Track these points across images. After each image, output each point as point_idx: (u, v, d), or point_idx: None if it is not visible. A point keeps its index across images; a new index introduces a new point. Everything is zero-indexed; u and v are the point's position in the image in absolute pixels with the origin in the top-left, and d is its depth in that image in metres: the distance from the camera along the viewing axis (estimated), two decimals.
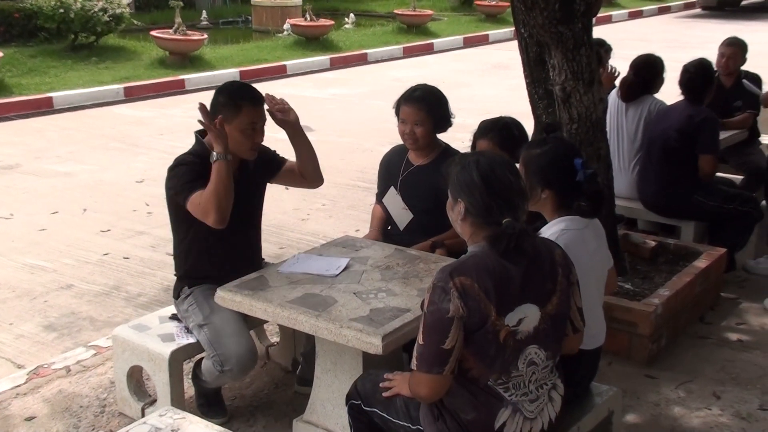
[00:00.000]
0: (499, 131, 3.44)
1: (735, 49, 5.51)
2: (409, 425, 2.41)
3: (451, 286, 2.16)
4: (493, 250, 2.22)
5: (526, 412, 2.29)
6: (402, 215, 3.76)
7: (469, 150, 3.66)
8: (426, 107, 3.62)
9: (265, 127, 3.22)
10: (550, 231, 2.70)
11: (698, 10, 20.52)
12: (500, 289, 2.19)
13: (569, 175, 2.69)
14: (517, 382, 2.27)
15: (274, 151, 3.48)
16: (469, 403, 2.26)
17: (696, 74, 4.68)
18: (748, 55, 5.64)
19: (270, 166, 3.42)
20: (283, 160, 3.46)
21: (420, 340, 2.21)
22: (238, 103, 3.12)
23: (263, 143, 3.30)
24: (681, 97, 4.75)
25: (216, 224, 3.02)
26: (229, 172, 3.01)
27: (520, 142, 3.35)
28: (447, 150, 3.76)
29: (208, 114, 3.05)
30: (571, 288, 2.38)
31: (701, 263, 4.22)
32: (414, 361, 2.23)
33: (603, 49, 5.45)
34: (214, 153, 2.99)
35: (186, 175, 3.10)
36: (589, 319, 2.77)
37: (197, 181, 3.06)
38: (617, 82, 5.09)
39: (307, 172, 3.44)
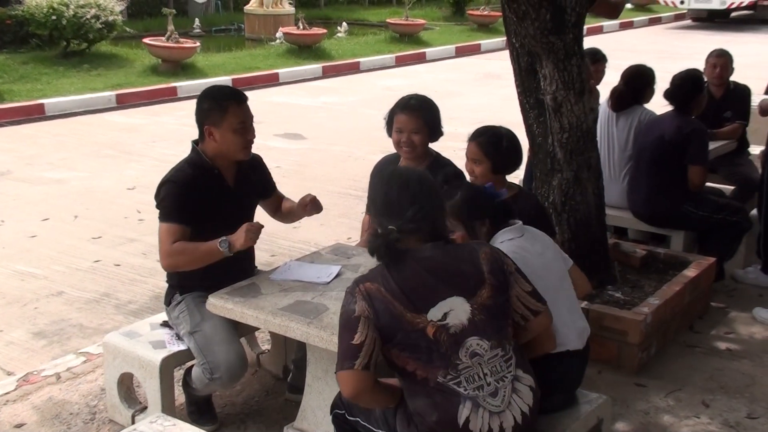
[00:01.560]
0: (488, 137, 3.45)
1: (725, 59, 5.56)
2: None
3: (357, 291, 2.33)
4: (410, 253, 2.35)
5: (490, 407, 2.29)
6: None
7: (464, 154, 3.69)
8: (423, 116, 3.64)
9: (257, 135, 3.25)
10: (496, 243, 2.84)
11: (688, 22, 20.65)
12: (408, 288, 2.30)
13: (490, 207, 2.91)
14: (468, 375, 2.29)
15: (271, 175, 3.54)
16: (429, 405, 2.30)
17: (682, 85, 4.72)
18: (738, 67, 5.71)
19: (265, 187, 3.49)
20: (274, 188, 3.54)
21: (337, 343, 2.34)
22: (223, 105, 3.14)
23: (265, 164, 3.43)
24: (670, 108, 4.78)
25: (163, 266, 3.18)
26: (216, 260, 3.09)
27: (506, 154, 3.41)
28: (438, 159, 3.78)
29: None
30: (510, 277, 2.43)
31: (691, 272, 4.24)
32: (336, 365, 2.34)
33: (597, 58, 5.50)
34: (226, 243, 3.02)
35: (171, 197, 3.13)
36: (566, 319, 2.80)
37: (180, 211, 3.10)
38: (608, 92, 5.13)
39: (287, 218, 3.61)
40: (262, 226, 3.09)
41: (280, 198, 3.59)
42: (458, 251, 2.43)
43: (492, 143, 3.41)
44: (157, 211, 3.16)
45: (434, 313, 2.29)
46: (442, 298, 2.32)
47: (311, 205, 3.40)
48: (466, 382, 2.29)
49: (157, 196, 3.18)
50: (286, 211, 3.57)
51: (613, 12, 5.23)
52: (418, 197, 2.40)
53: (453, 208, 2.86)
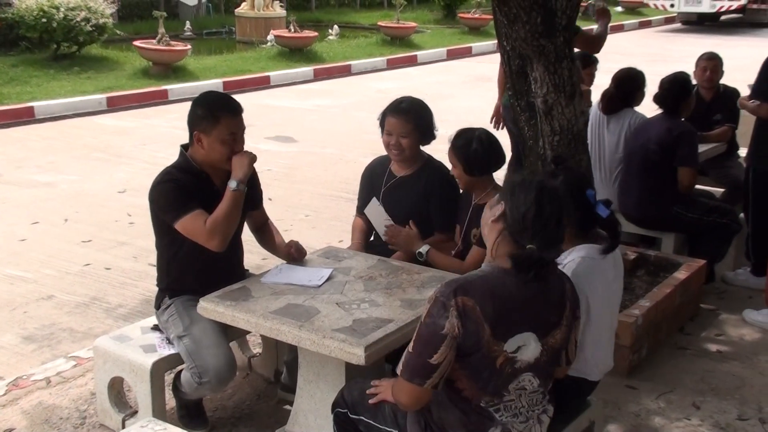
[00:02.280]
0: (460, 141, 3.41)
1: (716, 62, 5.59)
2: None
3: (452, 304, 2.15)
4: (509, 272, 2.21)
5: (514, 431, 2.31)
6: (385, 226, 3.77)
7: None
8: (413, 119, 3.64)
9: (246, 139, 3.24)
10: (569, 258, 2.70)
11: (678, 25, 20.75)
12: (502, 315, 2.18)
13: (584, 205, 2.70)
14: (509, 404, 2.28)
15: (260, 192, 3.51)
16: (459, 421, 2.27)
17: (671, 88, 4.74)
18: (727, 70, 5.74)
19: (253, 199, 3.43)
20: (259, 205, 3.50)
21: (410, 348, 2.21)
22: (216, 114, 3.12)
23: (259, 179, 3.41)
24: (660, 111, 4.80)
25: (218, 248, 3.07)
26: (242, 203, 3.09)
27: (474, 156, 3.34)
28: (430, 161, 3.78)
29: None
30: (576, 322, 2.41)
31: (681, 275, 4.26)
32: (400, 367, 2.24)
33: (589, 61, 5.52)
34: (234, 182, 3.05)
35: (172, 193, 3.10)
36: (598, 350, 2.78)
37: (186, 202, 3.08)
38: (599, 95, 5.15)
39: (267, 248, 3.54)
40: (254, 156, 3.12)
41: (264, 218, 3.54)
42: (552, 281, 2.31)
43: (461, 146, 3.39)
44: (167, 215, 3.10)
45: (510, 345, 2.21)
46: (520, 332, 2.22)
47: (295, 251, 3.37)
48: (504, 410, 2.28)
49: (155, 198, 3.15)
50: (269, 240, 3.52)
51: (594, 46, 5.25)
52: (561, 224, 2.25)
53: None
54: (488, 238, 2.32)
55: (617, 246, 2.76)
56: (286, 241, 3.45)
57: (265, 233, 3.54)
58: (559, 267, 2.46)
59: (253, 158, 3.13)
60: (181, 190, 3.10)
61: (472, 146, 3.37)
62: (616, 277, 2.83)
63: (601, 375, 2.87)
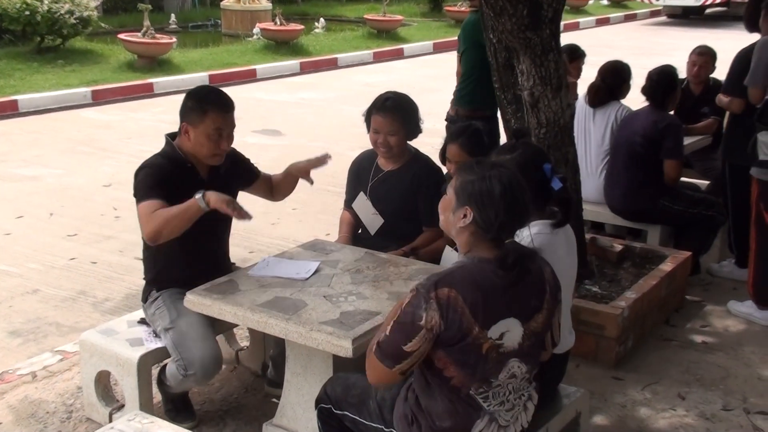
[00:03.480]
0: (468, 137, 3.47)
1: (706, 57, 5.61)
2: (383, 427, 2.42)
3: (432, 296, 2.15)
4: (489, 261, 2.22)
5: (502, 421, 2.31)
6: (373, 220, 3.77)
7: (438, 154, 3.69)
8: (400, 117, 3.63)
9: (235, 134, 3.22)
10: (523, 234, 2.72)
11: (664, 18, 20.81)
12: (485, 303, 2.19)
13: (539, 181, 2.71)
14: (497, 392, 2.28)
15: (250, 162, 3.48)
16: (447, 411, 2.27)
17: (659, 80, 4.76)
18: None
19: (246, 176, 3.45)
20: (258, 172, 3.48)
21: (386, 330, 2.22)
22: (204, 108, 3.11)
23: (241, 152, 3.35)
24: (647, 103, 4.82)
25: (148, 239, 3.05)
26: (195, 217, 2.99)
27: (490, 148, 3.37)
28: (417, 155, 3.79)
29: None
30: (558, 306, 2.41)
31: (667, 266, 4.28)
32: (373, 344, 2.25)
33: (576, 55, 5.53)
34: (201, 195, 2.94)
35: (146, 179, 3.10)
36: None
37: (155, 188, 3.06)
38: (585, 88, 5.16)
39: (281, 193, 3.55)
40: (233, 201, 2.98)
41: (269, 179, 3.53)
42: (532, 267, 2.32)
43: (474, 143, 3.41)
44: (134, 199, 3.09)
45: (494, 331, 2.21)
46: (503, 317, 2.22)
47: (316, 161, 3.41)
48: (492, 398, 2.28)
49: (135, 178, 3.14)
50: (280, 183, 3.52)
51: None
52: (529, 207, 2.30)
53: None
54: (458, 239, 2.32)
55: (569, 221, 2.79)
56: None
57: (279, 185, 3.54)
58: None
59: (230, 203, 2.96)
60: (155, 177, 3.08)
61: (485, 141, 3.40)
62: (568, 252, 2.84)
63: (564, 349, 2.85)
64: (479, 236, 2.25)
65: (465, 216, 2.24)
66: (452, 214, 2.29)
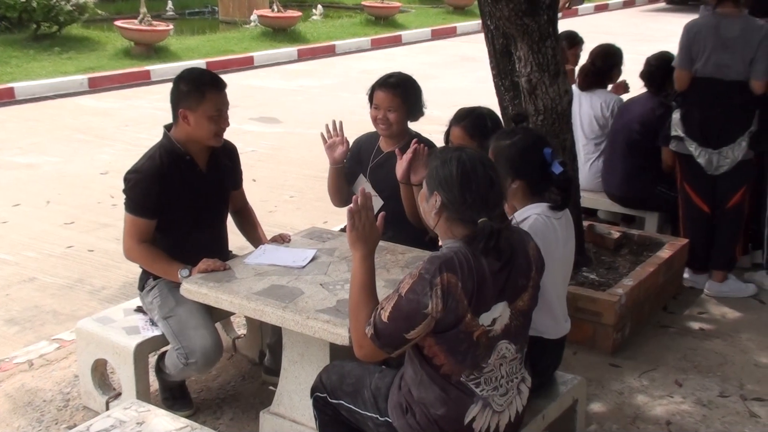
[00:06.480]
0: (472, 120, 3.45)
1: None
2: (377, 417, 2.42)
3: (437, 282, 2.13)
4: (469, 249, 2.20)
5: (496, 406, 2.30)
6: (372, 202, 3.75)
7: (442, 138, 3.67)
8: (401, 94, 3.63)
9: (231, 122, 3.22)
10: (522, 216, 2.73)
11: (663, 4, 20.73)
12: (479, 289, 2.18)
13: (539, 165, 2.72)
14: (489, 377, 2.28)
15: (241, 173, 3.50)
16: (439, 399, 2.26)
17: (658, 67, 4.74)
18: None
19: (234, 179, 3.45)
20: (239, 185, 3.50)
21: (384, 317, 2.18)
22: (202, 90, 3.10)
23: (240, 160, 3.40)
24: (644, 90, 4.81)
25: (124, 254, 3.20)
26: (171, 278, 3.11)
27: (492, 133, 3.36)
28: (418, 137, 3.77)
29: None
30: (540, 276, 2.40)
31: (664, 253, 4.28)
32: (369, 329, 2.21)
33: (575, 41, 5.51)
34: (187, 272, 3.03)
35: (135, 189, 3.12)
36: (554, 310, 2.81)
37: (143, 203, 3.11)
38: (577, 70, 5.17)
39: (244, 233, 3.56)
40: (227, 266, 3.04)
41: (243, 200, 3.55)
42: (516, 246, 2.30)
43: (477, 126, 3.40)
44: (124, 201, 3.15)
45: (486, 318, 2.21)
46: (494, 303, 2.22)
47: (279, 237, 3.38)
48: (485, 383, 2.27)
49: (125, 183, 3.16)
50: (246, 226, 3.54)
51: None
52: (496, 183, 2.26)
53: (499, 147, 2.75)
54: (439, 229, 2.32)
55: (568, 204, 2.80)
56: (276, 233, 3.43)
57: (244, 218, 3.54)
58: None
59: (218, 268, 3.01)
60: (143, 189, 3.10)
61: (488, 125, 3.39)
62: (568, 237, 2.84)
63: (559, 335, 2.86)
64: (452, 220, 2.26)
65: (436, 201, 2.25)
66: (426, 203, 2.32)
